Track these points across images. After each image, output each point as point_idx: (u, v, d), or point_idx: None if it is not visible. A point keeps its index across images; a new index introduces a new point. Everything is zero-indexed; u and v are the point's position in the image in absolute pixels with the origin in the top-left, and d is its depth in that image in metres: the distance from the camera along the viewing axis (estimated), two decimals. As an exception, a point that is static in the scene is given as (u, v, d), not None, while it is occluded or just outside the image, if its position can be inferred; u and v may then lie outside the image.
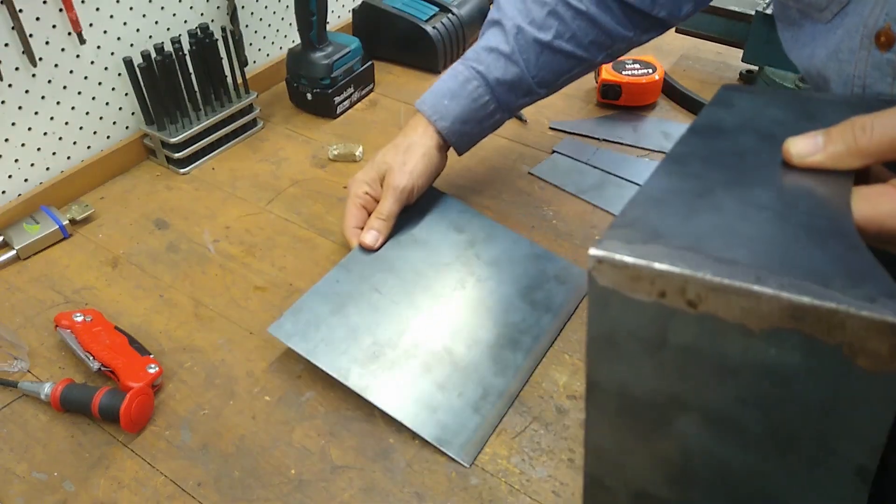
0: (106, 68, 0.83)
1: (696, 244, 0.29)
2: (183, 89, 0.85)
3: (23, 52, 0.74)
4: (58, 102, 0.80)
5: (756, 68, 1.03)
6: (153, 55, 0.80)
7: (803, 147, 0.35)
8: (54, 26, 0.76)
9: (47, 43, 0.76)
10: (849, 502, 0.29)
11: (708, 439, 0.32)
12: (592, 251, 0.30)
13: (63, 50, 0.78)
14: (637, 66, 0.97)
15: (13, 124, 0.76)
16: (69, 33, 0.78)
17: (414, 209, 0.74)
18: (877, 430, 0.27)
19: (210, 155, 0.90)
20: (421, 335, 0.64)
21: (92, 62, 0.81)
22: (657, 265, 0.29)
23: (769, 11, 0.94)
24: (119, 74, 0.85)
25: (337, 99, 0.96)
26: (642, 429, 0.33)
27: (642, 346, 0.31)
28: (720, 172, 0.36)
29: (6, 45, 0.73)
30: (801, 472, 0.30)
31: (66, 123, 0.82)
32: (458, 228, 0.74)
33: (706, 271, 0.28)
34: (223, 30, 0.86)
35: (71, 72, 0.80)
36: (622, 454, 0.35)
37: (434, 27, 1.04)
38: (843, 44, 0.47)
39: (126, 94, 0.86)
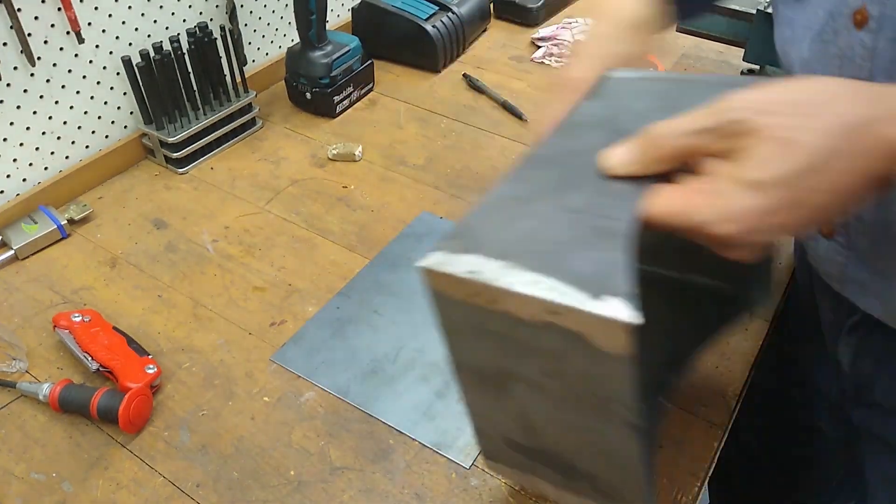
0: (104, 67, 0.83)
1: (501, 253, 0.36)
2: (182, 88, 0.84)
3: (21, 52, 0.74)
4: (56, 102, 0.80)
5: (757, 67, 1.02)
6: (152, 54, 0.80)
7: (610, 159, 0.38)
8: (53, 25, 0.76)
9: (46, 42, 0.76)
10: (628, 449, 0.38)
11: (533, 400, 0.40)
12: (418, 263, 0.37)
13: (62, 49, 0.78)
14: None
15: (11, 124, 0.76)
16: (68, 32, 0.77)
17: (411, 235, 0.75)
18: (628, 397, 0.35)
19: (209, 154, 0.89)
20: (419, 349, 0.64)
21: (90, 61, 0.81)
22: (462, 275, 0.36)
23: (770, 10, 0.93)
24: (118, 74, 0.84)
25: (336, 98, 0.95)
26: (494, 393, 0.42)
27: (472, 333, 0.39)
28: (552, 175, 0.41)
29: (4, 44, 0.72)
30: (596, 423, 0.38)
31: (65, 123, 0.81)
32: None
33: (495, 279, 0.34)
34: (222, 29, 0.86)
35: (69, 71, 0.79)
36: (488, 411, 0.44)
37: (434, 26, 1.04)
38: (827, 24, 0.46)
39: (125, 94, 0.86)
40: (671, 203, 0.35)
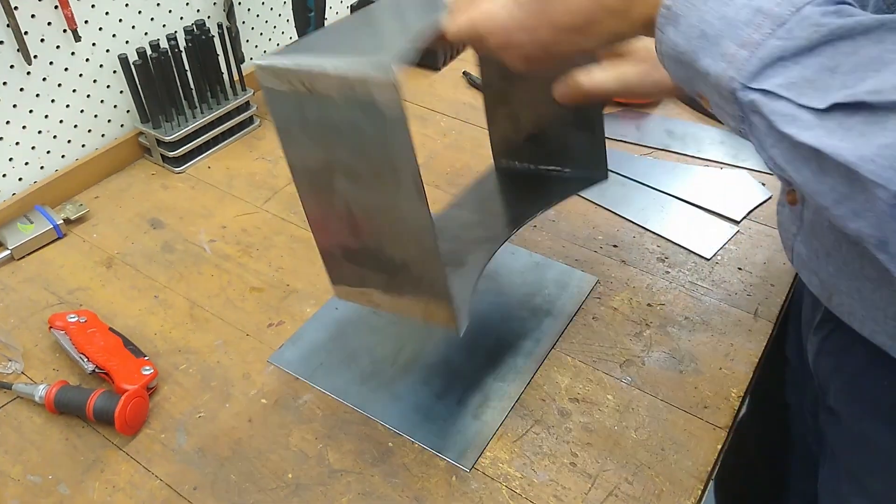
0: (101, 66, 0.82)
1: (319, 52, 0.44)
2: (179, 87, 0.84)
3: (17, 50, 0.73)
4: (53, 100, 0.79)
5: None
6: (149, 52, 0.79)
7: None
8: (49, 24, 0.75)
9: (42, 40, 0.75)
10: (420, 220, 0.45)
11: (352, 189, 0.47)
12: (255, 61, 0.45)
13: (58, 47, 0.77)
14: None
15: (7, 122, 0.75)
16: (64, 31, 0.77)
17: None
18: (410, 158, 0.42)
19: (206, 153, 0.89)
20: (419, 350, 0.63)
21: (87, 60, 0.81)
22: (282, 65, 0.43)
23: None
24: (114, 72, 0.84)
25: (335, 96, 0.95)
26: (324, 194, 0.49)
27: (298, 127, 0.46)
28: (385, 15, 0.50)
29: (1, 42, 0.72)
30: (395, 198, 0.45)
31: (61, 122, 0.81)
32: None
33: (309, 66, 0.42)
34: (220, 26, 0.85)
35: (66, 69, 0.79)
36: (322, 220, 0.51)
37: (433, 24, 1.03)
38: None
39: (121, 92, 0.85)
40: (459, 17, 0.44)
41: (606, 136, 0.90)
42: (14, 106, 0.75)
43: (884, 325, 0.47)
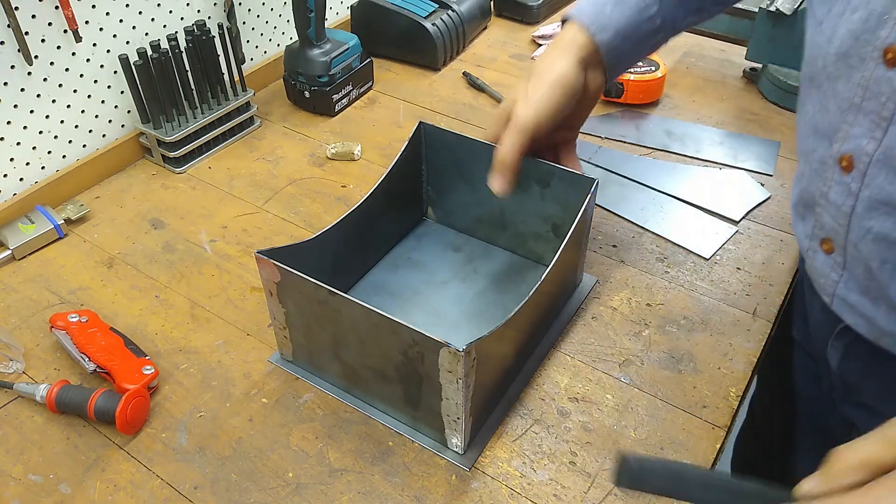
0: (102, 66, 0.82)
1: None
2: (179, 87, 0.84)
3: (18, 50, 0.73)
4: (53, 101, 0.79)
5: (759, 66, 1.02)
6: (149, 53, 0.79)
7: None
8: (50, 24, 0.75)
9: (43, 41, 0.75)
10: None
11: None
12: None
13: (59, 48, 0.77)
14: (640, 63, 0.96)
15: (8, 123, 0.76)
16: (65, 31, 0.77)
17: (413, 241, 0.74)
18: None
19: (207, 154, 0.89)
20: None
21: (88, 60, 0.81)
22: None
23: (773, 9, 0.93)
24: (115, 72, 0.84)
25: (335, 97, 0.95)
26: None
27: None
28: None
29: (2, 42, 0.72)
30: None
31: (62, 122, 0.81)
32: (455, 248, 0.74)
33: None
34: (220, 27, 0.85)
35: (67, 70, 0.79)
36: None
37: (434, 24, 1.03)
38: (852, 48, 0.45)
39: (122, 93, 0.85)
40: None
41: (607, 136, 0.91)
42: (15, 106, 0.76)
43: None
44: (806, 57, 0.51)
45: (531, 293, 0.54)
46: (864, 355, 0.57)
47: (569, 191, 0.64)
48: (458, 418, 0.52)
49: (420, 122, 0.69)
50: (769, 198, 0.81)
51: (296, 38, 0.93)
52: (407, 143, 0.68)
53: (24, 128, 0.77)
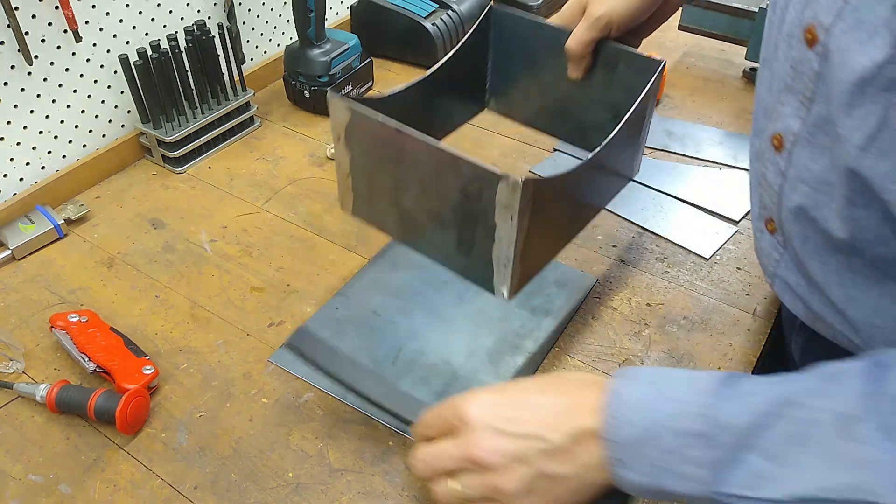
0: (102, 66, 0.82)
1: None
2: (179, 87, 0.84)
3: (18, 51, 0.73)
4: (53, 101, 0.79)
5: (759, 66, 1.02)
6: (149, 53, 0.79)
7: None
8: (50, 24, 0.75)
9: (43, 41, 0.75)
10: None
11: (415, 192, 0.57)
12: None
13: (59, 48, 0.77)
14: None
15: (8, 123, 0.76)
16: (65, 31, 0.77)
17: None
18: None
19: (207, 154, 0.89)
20: (418, 350, 0.64)
21: (88, 60, 0.81)
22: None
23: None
24: (115, 72, 0.84)
25: (335, 97, 0.95)
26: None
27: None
28: None
29: (2, 42, 0.72)
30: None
31: (62, 122, 0.81)
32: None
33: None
34: (220, 27, 0.85)
35: (67, 70, 0.79)
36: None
37: (434, 24, 1.03)
38: (792, 28, 0.46)
39: (122, 93, 0.85)
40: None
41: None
42: (15, 106, 0.76)
43: (870, 349, 0.48)
44: (763, 39, 0.52)
45: (598, 149, 0.55)
46: (820, 352, 0.58)
47: (635, 76, 0.63)
48: (508, 263, 0.52)
49: (491, 6, 0.68)
50: (769, 198, 0.81)
51: (296, 38, 0.93)
52: (474, 27, 0.68)
53: (24, 128, 0.77)
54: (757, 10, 0.95)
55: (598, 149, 0.55)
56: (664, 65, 0.61)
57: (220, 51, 0.86)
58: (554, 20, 0.66)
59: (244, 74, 0.91)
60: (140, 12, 0.84)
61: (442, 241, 0.57)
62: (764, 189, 0.53)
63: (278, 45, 1.05)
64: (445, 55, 0.66)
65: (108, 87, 0.84)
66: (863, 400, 0.36)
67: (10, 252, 0.73)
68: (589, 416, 0.43)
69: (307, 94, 0.95)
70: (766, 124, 0.51)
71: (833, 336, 0.52)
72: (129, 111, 0.87)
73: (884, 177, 0.39)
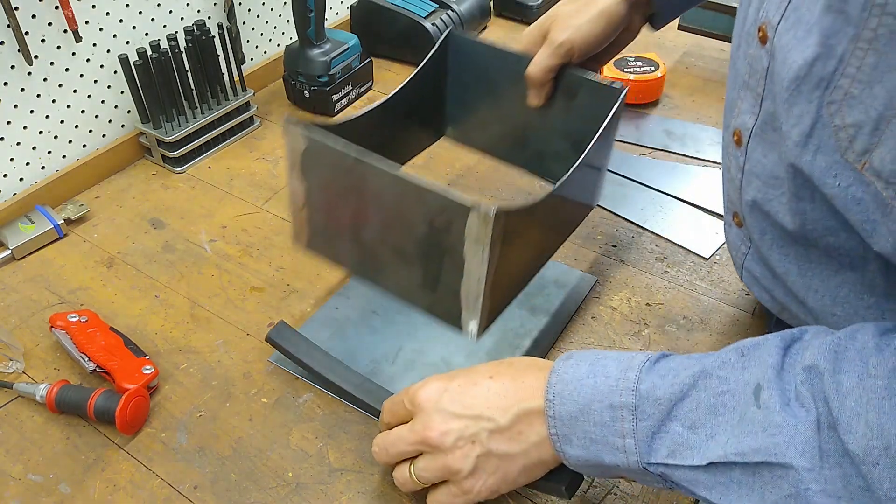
0: (102, 66, 0.83)
1: None
2: (179, 87, 0.84)
3: (18, 51, 0.73)
4: (53, 101, 0.79)
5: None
6: (149, 53, 0.79)
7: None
8: (50, 24, 0.75)
9: (43, 41, 0.75)
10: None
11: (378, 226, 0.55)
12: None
13: (59, 48, 0.77)
14: (639, 63, 0.96)
15: (8, 123, 0.76)
16: (65, 31, 0.77)
17: None
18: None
19: (206, 153, 0.89)
20: (418, 350, 0.64)
21: (88, 60, 0.81)
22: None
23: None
24: (115, 72, 0.84)
25: (335, 96, 0.95)
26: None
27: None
28: None
29: (2, 42, 0.72)
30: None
31: (62, 122, 0.81)
32: None
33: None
34: (220, 27, 0.85)
35: (67, 70, 0.79)
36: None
37: (434, 24, 1.03)
38: (748, 25, 0.47)
39: (122, 93, 0.85)
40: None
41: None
42: (15, 106, 0.76)
43: None
44: (732, 36, 0.53)
45: (564, 178, 0.54)
46: None
47: (595, 104, 0.62)
48: (477, 298, 0.50)
49: (449, 31, 0.67)
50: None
51: (296, 38, 0.93)
52: (431, 53, 0.66)
53: (24, 128, 0.77)
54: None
55: (563, 178, 0.54)
56: (625, 92, 0.60)
57: (219, 51, 0.86)
58: (514, 46, 0.65)
59: (244, 74, 0.91)
60: (140, 12, 0.84)
61: (405, 277, 0.55)
62: (729, 182, 0.55)
63: (278, 45, 1.05)
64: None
65: (108, 87, 0.84)
66: (771, 370, 0.39)
67: (10, 252, 0.73)
68: (535, 397, 0.45)
69: (307, 94, 0.95)
70: (730, 119, 0.52)
71: (799, 325, 0.53)
72: (128, 111, 0.87)
73: (822, 172, 0.40)
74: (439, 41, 0.66)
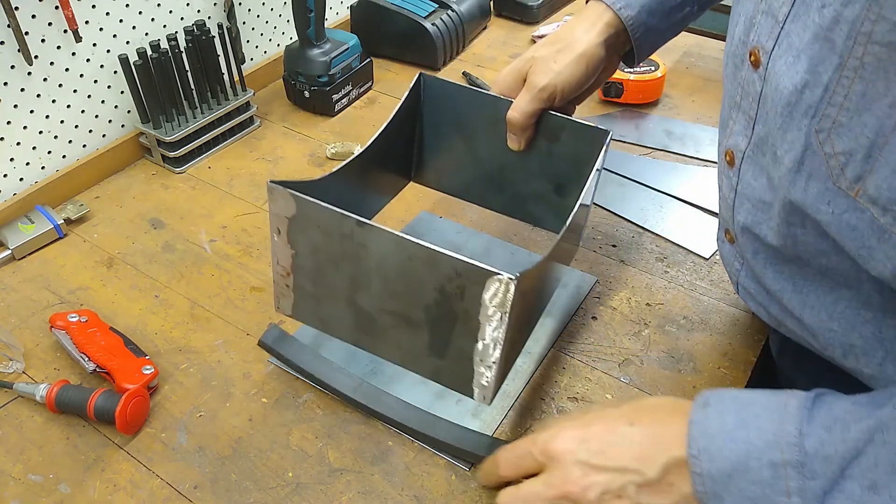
0: (102, 66, 0.83)
1: None
2: (179, 87, 0.84)
3: (18, 51, 0.73)
4: (53, 101, 0.79)
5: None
6: (149, 53, 0.79)
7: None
8: (50, 24, 0.75)
9: (43, 41, 0.75)
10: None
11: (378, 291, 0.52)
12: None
13: (59, 48, 0.77)
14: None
15: (8, 123, 0.76)
16: (65, 31, 0.77)
17: (411, 235, 0.74)
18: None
19: (206, 153, 0.89)
20: None
21: (88, 60, 0.81)
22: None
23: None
24: (115, 72, 0.84)
25: (335, 96, 0.95)
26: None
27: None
28: None
29: (2, 42, 0.72)
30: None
31: (62, 122, 0.81)
32: (455, 248, 0.73)
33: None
34: (220, 27, 0.85)
35: (67, 70, 0.79)
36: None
37: (433, 24, 1.03)
38: (738, 48, 0.47)
39: (122, 93, 0.86)
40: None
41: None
42: (15, 106, 0.76)
43: (831, 353, 0.49)
44: (724, 52, 0.53)
45: (563, 229, 0.52)
46: (792, 351, 0.59)
47: (579, 146, 0.61)
48: (493, 365, 0.48)
49: (420, 74, 0.65)
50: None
51: (296, 38, 0.93)
52: (405, 96, 0.64)
53: (24, 128, 0.77)
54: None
55: (562, 230, 0.53)
56: (611, 136, 0.60)
57: (219, 51, 0.86)
58: (492, 87, 0.64)
59: (244, 74, 0.91)
60: (140, 12, 0.84)
61: (408, 344, 0.52)
62: (722, 200, 0.55)
63: (278, 45, 1.05)
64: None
65: (108, 87, 0.84)
66: None
67: (9, 252, 0.73)
68: (679, 446, 0.41)
69: (307, 94, 0.95)
70: (723, 138, 0.52)
71: (797, 339, 0.53)
72: (128, 111, 0.87)
73: (815, 199, 0.41)
74: (412, 85, 0.65)
